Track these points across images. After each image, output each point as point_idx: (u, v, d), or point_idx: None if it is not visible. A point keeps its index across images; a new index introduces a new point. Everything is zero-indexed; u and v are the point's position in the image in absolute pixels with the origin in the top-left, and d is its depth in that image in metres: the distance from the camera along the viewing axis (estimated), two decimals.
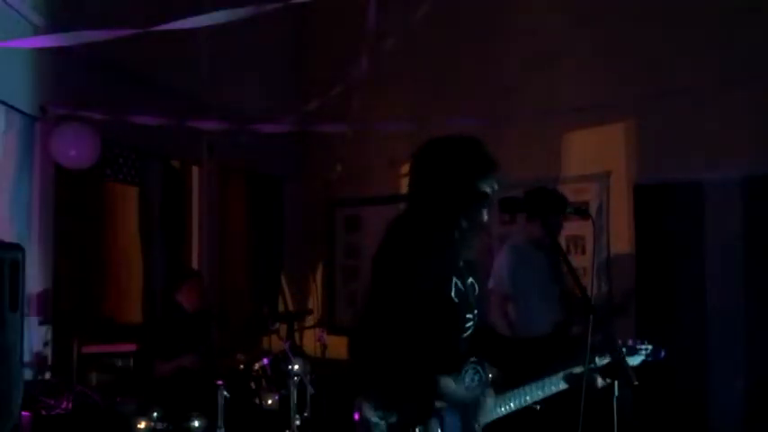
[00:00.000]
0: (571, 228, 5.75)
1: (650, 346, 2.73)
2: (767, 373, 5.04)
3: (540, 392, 2.53)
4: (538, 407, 2.53)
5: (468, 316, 2.49)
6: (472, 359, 2.43)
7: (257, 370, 5.00)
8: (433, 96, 6.48)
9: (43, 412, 4.11)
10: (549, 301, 4.30)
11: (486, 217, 2.44)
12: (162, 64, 5.46)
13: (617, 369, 2.32)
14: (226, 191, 6.82)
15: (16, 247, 3.59)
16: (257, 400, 4.79)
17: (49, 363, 4.80)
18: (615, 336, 2.48)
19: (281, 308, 7.14)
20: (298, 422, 4.77)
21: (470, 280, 2.54)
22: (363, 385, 2.34)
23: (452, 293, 2.43)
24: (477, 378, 2.42)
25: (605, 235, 5.76)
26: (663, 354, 2.73)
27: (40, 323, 4.78)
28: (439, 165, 2.42)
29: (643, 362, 2.71)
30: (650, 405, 5.10)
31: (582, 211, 4.80)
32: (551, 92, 5.89)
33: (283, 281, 7.29)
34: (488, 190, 2.42)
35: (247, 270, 7.03)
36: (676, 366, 5.37)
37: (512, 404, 2.47)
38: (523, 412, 2.53)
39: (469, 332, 2.49)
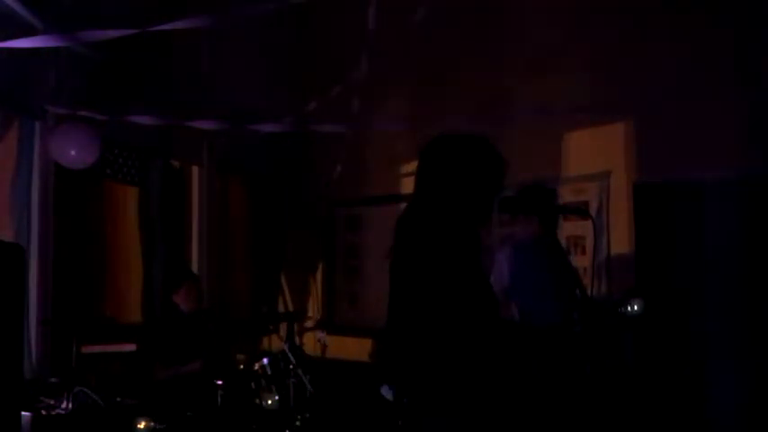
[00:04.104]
0: (571, 228, 5.75)
1: None
2: (767, 373, 5.04)
3: None
4: None
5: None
6: None
7: (257, 370, 5.00)
8: (432, 96, 6.47)
9: (43, 412, 4.11)
10: (549, 300, 4.30)
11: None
12: (162, 64, 5.46)
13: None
14: (226, 191, 6.81)
15: (16, 247, 3.59)
16: (257, 400, 4.79)
17: (49, 363, 4.80)
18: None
19: (281, 308, 7.14)
20: (298, 422, 4.77)
21: None
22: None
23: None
24: None
25: (605, 235, 5.76)
26: None
27: (40, 323, 4.79)
28: (456, 162, 2.45)
29: None
30: (650, 405, 5.09)
31: (582, 211, 4.82)
32: (551, 92, 5.88)
33: (283, 281, 7.29)
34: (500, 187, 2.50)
35: (247, 270, 7.03)
36: (676, 367, 5.39)
37: None
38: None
39: None
